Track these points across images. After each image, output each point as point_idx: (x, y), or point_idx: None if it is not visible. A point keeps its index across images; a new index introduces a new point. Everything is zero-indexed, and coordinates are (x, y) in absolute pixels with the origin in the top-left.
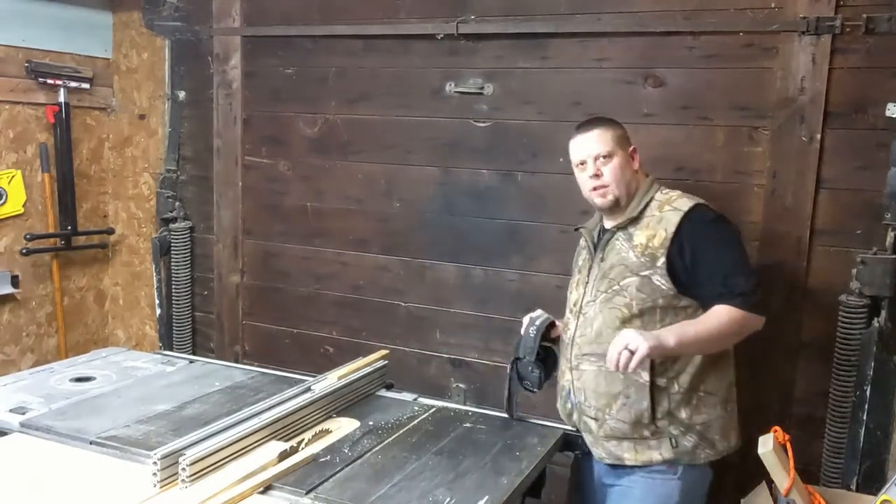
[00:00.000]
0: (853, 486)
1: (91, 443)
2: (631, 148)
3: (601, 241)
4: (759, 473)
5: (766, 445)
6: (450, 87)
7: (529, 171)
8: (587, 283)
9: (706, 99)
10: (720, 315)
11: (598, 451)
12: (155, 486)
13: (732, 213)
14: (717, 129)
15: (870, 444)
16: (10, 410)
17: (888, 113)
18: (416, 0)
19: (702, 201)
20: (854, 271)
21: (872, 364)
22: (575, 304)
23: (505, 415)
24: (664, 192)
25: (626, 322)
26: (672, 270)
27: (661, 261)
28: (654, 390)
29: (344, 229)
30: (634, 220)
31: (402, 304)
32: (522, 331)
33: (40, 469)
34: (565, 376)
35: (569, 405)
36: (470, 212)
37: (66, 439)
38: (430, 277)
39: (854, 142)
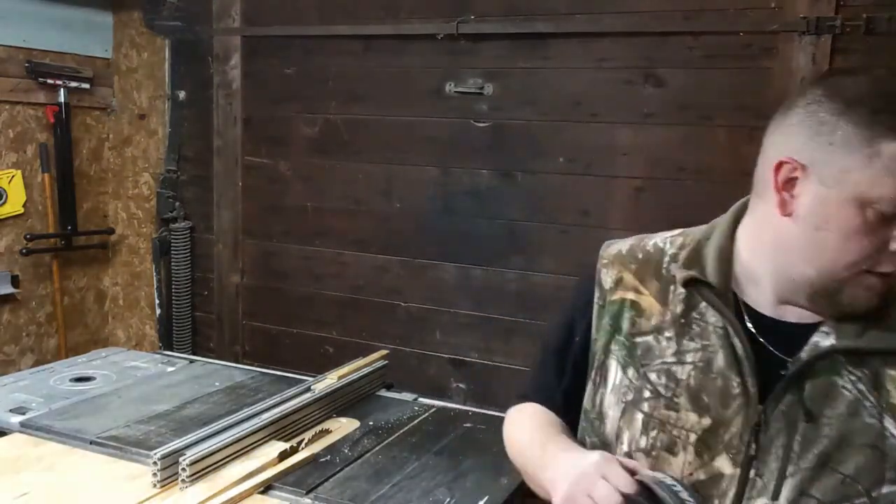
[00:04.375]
0: None
1: (91, 443)
2: None
3: (793, 365)
4: None
5: None
6: (450, 87)
7: (529, 171)
8: (754, 457)
9: (706, 99)
10: None
11: None
12: (155, 486)
13: None
14: (717, 129)
15: None
16: (10, 410)
17: None
18: (416, 0)
19: None
20: None
21: None
22: (716, 495)
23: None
24: None
25: None
26: None
27: None
28: None
29: (344, 229)
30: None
31: (402, 304)
32: None
33: (40, 469)
34: None
35: None
36: (470, 212)
37: (66, 439)
38: (429, 277)
39: None
